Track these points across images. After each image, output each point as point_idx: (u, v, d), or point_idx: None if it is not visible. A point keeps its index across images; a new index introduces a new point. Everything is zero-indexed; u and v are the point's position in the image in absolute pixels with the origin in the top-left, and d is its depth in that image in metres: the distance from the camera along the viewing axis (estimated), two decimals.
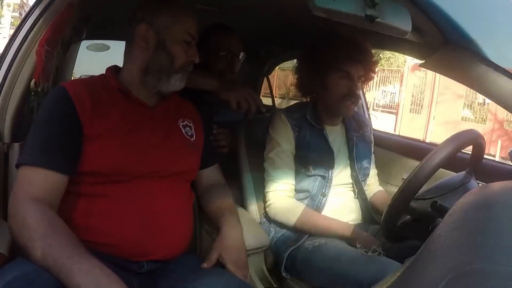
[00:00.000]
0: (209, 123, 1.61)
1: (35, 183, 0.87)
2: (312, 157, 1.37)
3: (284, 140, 1.39)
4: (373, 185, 1.57)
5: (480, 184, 1.29)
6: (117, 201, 0.95)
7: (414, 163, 1.66)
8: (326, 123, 1.44)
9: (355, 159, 1.43)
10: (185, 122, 1.16)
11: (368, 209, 1.46)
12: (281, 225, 1.38)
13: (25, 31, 1.16)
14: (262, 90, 2.90)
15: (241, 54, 1.71)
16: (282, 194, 1.37)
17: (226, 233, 1.07)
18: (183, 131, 1.14)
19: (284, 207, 1.36)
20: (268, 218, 1.42)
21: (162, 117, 1.10)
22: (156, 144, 1.04)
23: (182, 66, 1.07)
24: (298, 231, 1.34)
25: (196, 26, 1.10)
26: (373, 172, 1.57)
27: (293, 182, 1.39)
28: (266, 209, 1.41)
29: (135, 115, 1.04)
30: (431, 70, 1.23)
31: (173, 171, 1.05)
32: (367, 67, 1.39)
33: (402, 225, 0.97)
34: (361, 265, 1.11)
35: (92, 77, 1.13)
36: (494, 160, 1.51)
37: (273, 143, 1.40)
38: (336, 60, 1.34)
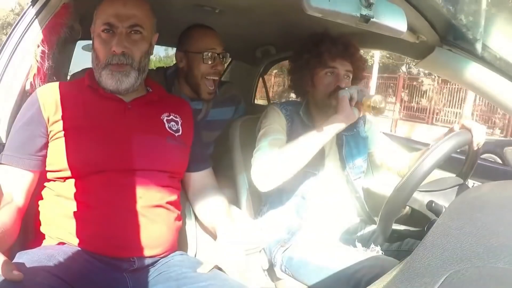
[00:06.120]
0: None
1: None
2: None
3: (278, 129, 1.36)
4: (400, 157, 1.49)
5: (475, 184, 1.30)
6: (93, 200, 0.96)
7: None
8: (318, 121, 1.43)
9: (345, 159, 1.43)
10: (171, 116, 1.14)
11: (364, 208, 1.46)
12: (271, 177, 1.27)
13: (21, 32, 1.16)
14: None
15: (227, 54, 1.60)
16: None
17: (223, 239, 1.04)
18: (166, 126, 1.11)
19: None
20: (262, 218, 1.42)
21: (140, 111, 1.08)
22: (130, 138, 1.03)
23: (106, 60, 1.04)
24: (287, 166, 1.24)
25: (120, 11, 1.02)
26: (391, 147, 1.53)
27: None
28: (252, 169, 1.29)
29: (107, 110, 1.04)
30: (426, 69, 1.24)
31: (152, 167, 1.03)
32: (354, 64, 1.40)
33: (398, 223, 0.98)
34: (359, 263, 1.11)
35: (75, 79, 1.16)
36: (490, 161, 1.52)
37: (265, 131, 1.35)
38: (322, 57, 1.36)
